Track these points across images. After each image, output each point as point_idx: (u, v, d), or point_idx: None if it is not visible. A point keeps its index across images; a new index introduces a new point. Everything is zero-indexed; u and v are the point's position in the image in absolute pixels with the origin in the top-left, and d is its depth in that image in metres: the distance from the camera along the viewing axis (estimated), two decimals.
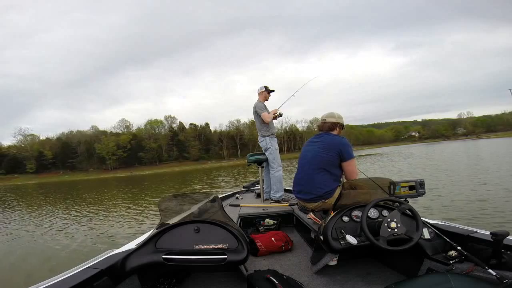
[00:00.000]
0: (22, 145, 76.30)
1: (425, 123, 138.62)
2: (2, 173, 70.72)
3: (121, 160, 72.15)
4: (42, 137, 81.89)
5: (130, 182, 29.69)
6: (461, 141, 77.49)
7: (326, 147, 2.37)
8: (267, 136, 3.87)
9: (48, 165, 72.45)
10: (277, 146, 3.90)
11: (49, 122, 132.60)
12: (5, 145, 79.31)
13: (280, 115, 3.94)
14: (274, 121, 4.02)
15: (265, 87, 3.95)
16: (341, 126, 2.56)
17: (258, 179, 4.43)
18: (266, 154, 3.90)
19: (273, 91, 4.01)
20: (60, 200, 17.50)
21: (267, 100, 4.01)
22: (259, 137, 3.97)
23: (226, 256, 1.54)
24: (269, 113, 3.88)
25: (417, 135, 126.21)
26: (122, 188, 22.50)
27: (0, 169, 71.41)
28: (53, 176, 67.55)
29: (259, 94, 3.97)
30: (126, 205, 12.02)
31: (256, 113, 3.89)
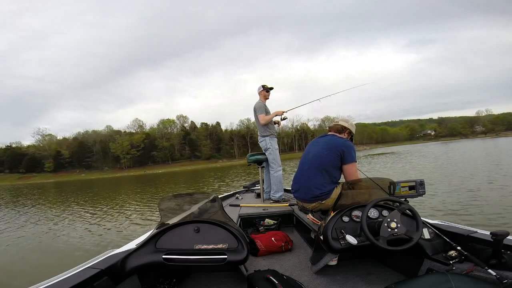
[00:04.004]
0: (41, 145, 78.92)
1: (441, 121, 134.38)
2: (22, 172, 73.39)
3: (135, 159, 73.53)
4: (59, 137, 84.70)
5: (145, 181, 30.23)
6: (480, 139, 74.84)
7: (328, 146, 2.33)
8: (266, 136, 3.84)
9: (65, 164, 74.63)
10: (276, 146, 3.86)
11: (66, 122, 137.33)
12: (25, 145, 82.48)
13: (284, 118, 3.88)
14: (283, 122, 3.98)
15: (263, 86, 3.89)
16: (350, 133, 2.52)
17: (258, 179, 4.42)
18: (266, 154, 3.87)
19: (271, 88, 3.94)
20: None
21: (267, 98, 3.95)
22: (259, 137, 3.94)
23: (226, 256, 1.54)
24: (267, 114, 3.83)
25: (433, 133, 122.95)
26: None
27: (20, 168, 74.09)
28: (70, 175, 69.65)
29: (259, 94, 3.93)
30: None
31: (255, 113, 3.87)
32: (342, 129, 2.49)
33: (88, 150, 75.82)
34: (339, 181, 2.36)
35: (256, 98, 3.97)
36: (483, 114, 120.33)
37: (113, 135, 78.10)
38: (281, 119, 3.92)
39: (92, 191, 22.41)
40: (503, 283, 1.19)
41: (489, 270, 1.28)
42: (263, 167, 4.05)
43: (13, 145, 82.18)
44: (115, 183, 32.32)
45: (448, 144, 56.15)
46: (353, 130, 2.53)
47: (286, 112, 3.90)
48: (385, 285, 1.26)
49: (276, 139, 3.91)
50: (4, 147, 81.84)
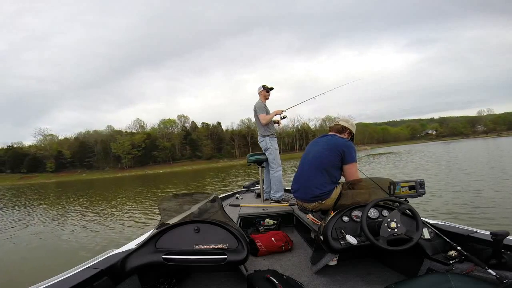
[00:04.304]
0: (42, 145, 78.99)
1: (442, 121, 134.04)
2: (23, 172, 73.59)
3: (136, 159, 73.60)
4: (61, 137, 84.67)
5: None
6: (481, 139, 74.48)
7: (329, 147, 2.33)
8: (267, 136, 3.84)
9: (67, 164, 74.76)
10: (276, 146, 3.87)
11: (67, 123, 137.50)
12: (26, 145, 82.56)
13: (284, 117, 3.88)
14: (282, 121, 3.98)
15: (263, 86, 3.91)
16: (351, 133, 2.51)
17: (258, 179, 4.42)
18: (266, 154, 3.88)
19: (272, 88, 3.95)
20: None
21: (267, 99, 3.96)
22: (259, 137, 3.94)
23: (226, 256, 1.54)
24: (267, 113, 3.84)
25: (434, 133, 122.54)
26: None
27: (22, 168, 74.30)
28: (71, 175, 69.82)
29: (259, 94, 3.94)
30: None
31: (256, 112, 3.88)
32: (343, 129, 2.48)
33: (89, 150, 75.94)
34: (339, 181, 2.36)
35: (257, 98, 3.97)
36: (485, 114, 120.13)
37: (114, 135, 78.08)
38: (281, 118, 3.92)
39: (90, 192, 22.34)
40: (503, 283, 1.19)
41: (489, 270, 1.28)
42: (263, 167, 4.05)
43: (15, 145, 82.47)
44: (115, 183, 32.32)
45: (450, 144, 55.78)
46: (354, 130, 2.52)
47: (285, 111, 3.91)
48: (385, 285, 1.26)
49: (276, 139, 3.91)
50: (6, 147, 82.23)
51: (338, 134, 2.47)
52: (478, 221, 5.30)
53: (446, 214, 5.88)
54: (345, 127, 2.48)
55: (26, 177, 70.39)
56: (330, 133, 2.53)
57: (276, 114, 3.86)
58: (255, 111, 3.89)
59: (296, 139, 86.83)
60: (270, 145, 3.81)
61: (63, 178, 65.35)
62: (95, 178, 56.51)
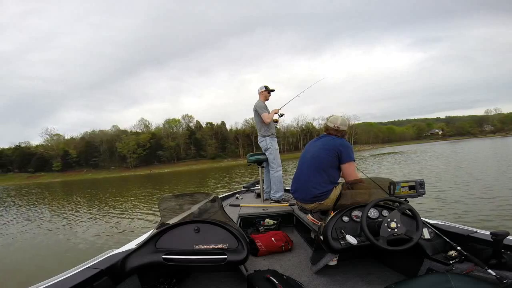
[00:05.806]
0: (49, 145, 79.69)
1: (449, 120, 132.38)
2: (30, 171, 74.58)
3: (141, 158, 73.96)
4: (67, 137, 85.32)
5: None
6: (489, 139, 73.29)
7: (326, 147, 2.36)
8: (267, 136, 3.86)
9: (73, 163, 75.54)
10: (277, 146, 3.89)
11: (73, 122, 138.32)
12: (34, 145, 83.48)
13: (281, 115, 3.92)
14: (280, 118, 3.99)
15: (265, 86, 3.95)
16: (344, 131, 2.51)
17: (258, 179, 4.43)
18: (266, 154, 3.89)
19: (273, 90, 3.99)
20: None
21: (267, 99, 4.00)
22: (259, 137, 3.97)
23: (226, 256, 1.55)
24: (269, 113, 3.87)
25: (440, 132, 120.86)
26: None
27: (29, 167, 75.30)
28: (78, 174, 70.58)
29: (260, 94, 3.97)
30: None
31: (257, 112, 3.89)
32: (336, 128, 2.49)
33: (95, 150, 76.58)
34: (338, 181, 2.38)
35: (257, 98, 4.00)
36: (492, 113, 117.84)
37: (119, 134, 78.54)
38: (279, 116, 3.95)
39: (91, 192, 22.48)
40: (503, 283, 1.18)
41: (489, 270, 1.28)
42: (263, 167, 4.06)
43: (22, 145, 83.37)
44: (118, 182, 32.56)
45: (457, 144, 54.63)
46: (346, 128, 2.51)
47: (280, 109, 3.95)
48: (385, 285, 1.26)
49: (276, 139, 3.94)
50: (13, 146, 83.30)
51: (333, 134, 2.48)
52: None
53: (470, 223, 5.41)
54: (338, 126, 2.49)
55: (33, 177, 71.25)
56: (325, 133, 2.55)
57: (275, 113, 3.89)
58: (256, 111, 3.91)
59: (301, 139, 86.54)
60: (270, 145, 3.84)
61: (70, 177, 66.06)
62: (101, 178, 56.92)
